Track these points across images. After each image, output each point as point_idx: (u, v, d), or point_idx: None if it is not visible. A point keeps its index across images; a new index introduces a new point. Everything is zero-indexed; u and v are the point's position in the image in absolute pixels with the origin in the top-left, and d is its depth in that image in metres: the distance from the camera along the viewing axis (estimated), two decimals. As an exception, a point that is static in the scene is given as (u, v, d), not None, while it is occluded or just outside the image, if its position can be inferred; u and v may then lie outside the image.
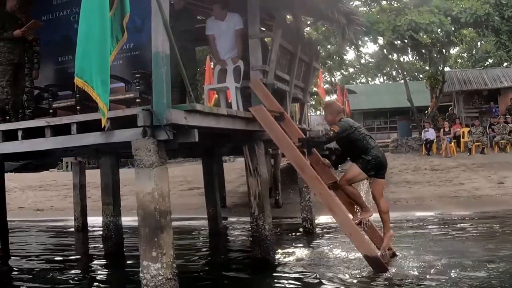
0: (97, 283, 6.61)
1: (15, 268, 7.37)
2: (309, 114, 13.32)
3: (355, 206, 6.45)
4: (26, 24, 6.62)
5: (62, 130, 5.37)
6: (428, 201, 12.20)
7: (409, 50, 19.71)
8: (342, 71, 34.32)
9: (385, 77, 41.05)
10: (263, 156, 6.91)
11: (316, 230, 9.41)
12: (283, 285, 5.84)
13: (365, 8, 20.30)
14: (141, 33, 6.71)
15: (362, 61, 34.05)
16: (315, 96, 24.74)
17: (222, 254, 8.34)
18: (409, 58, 30.17)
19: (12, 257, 8.13)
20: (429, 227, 9.47)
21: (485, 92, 22.76)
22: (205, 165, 9.71)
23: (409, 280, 5.48)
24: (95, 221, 11.04)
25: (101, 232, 8.52)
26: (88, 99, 6.22)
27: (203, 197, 10.17)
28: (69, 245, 9.84)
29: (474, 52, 31.83)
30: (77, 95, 6.37)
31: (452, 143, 17.44)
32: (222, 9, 7.23)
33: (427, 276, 5.58)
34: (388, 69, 37.52)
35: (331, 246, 7.78)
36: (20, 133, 5.61)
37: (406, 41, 17.16)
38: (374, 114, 31.85)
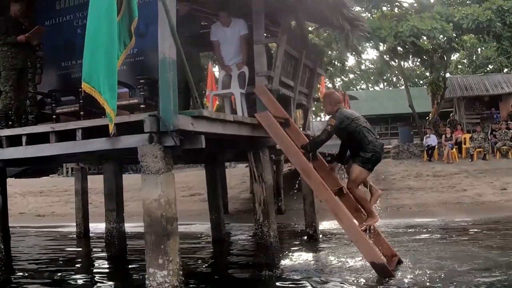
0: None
1: (18, 274, 7.29)
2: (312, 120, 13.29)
3: (362, 212, 6.40)
4: (29, 29, 6.61)
5: (66, 135, 5.34)
6: (432, 207, 12.15)
7: (410, 56, 19.70)
8: (343, 77, 34.37)
9: (385, 83, 41.13)
10: (268, 163, 6.87)
11: (320, 235, 9.34)
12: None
13: (366, 14, 20.29)
14: (145, 38, 6.69)
15: (362, 67, 34.12)
16: (315, 103, 24.69)
17: (226, 260, 8.26)
18: (409, 64, 30.26)
19: (15, 263, 8.06)
20: (433, 233, 9.41)
21: (486, 98, 22.79)
22: (208, 171, 9.64)
23: (416, 287, 5.43)
24: (96, 227, 10.98)
25: (103, 238, 8.46)
26: (92, 105, 6.24)
27: (205, 203, 10.11)
28: (72, 251, 9.75)
29: (474, 58, 31.89)
30: (81, 101, 6.35)
31: (454, 149, 17.42)
32: (228, 16, 7.21)
33: (433, 283, 5.53)
34: (389, 75, 37.58)
35: (336, 252, 7.73)
36: (24, 139, 5.58)
37: (407, 47, 17.15)
38: (375, 120, 31.72)
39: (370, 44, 18.40)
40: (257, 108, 6.86)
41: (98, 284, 6.78)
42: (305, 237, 9.23)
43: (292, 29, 8.16)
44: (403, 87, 24.33)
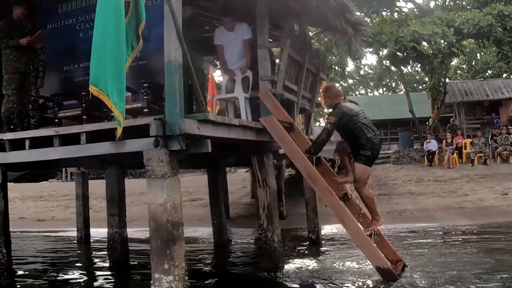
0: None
1: (19, 279, 7.23)
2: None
3: (366, 217, 6.37)
4: (32, 32, 6.58)
5: (69, 139, 5.30)
6: (433, 212, 12.11)
7: (410, 62, 19.70)
8: (342, 82, 34.38)
9: (384, 89, 41.17)
10: (272, 167, 6.82)
11: (322, 240, 9.31)
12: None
13: (366, 19, 20.33)
14: (148, 42, 6.63)
15: (361, 72, 34.17)
16: (316, 108, 24.69)
17: (230, 265, 8.23)
18: (408, 70, 30.29)
19: (16, 267, 7.99)
20: (436, 238, 9.38)
21: (487, 103, 22.81)
22: (210, 176, 9.60)
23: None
24: (96, 232, 10.92)
25: (104, 243, 8.39)
26: (94, 108, 6.20)
27: (206, 208, 10.08)
28: (73, 256, 9.69)
29: (473, 63, 31.95)
30: (83, 105, 6.31)
31: (455, 154, 17.41)
32: (231, 20, 7.19)
33: (438, 286, 5.51)
34: (388, 80, 37.64)
35: (338, 256, 7.72)
36: (27, 142, 5.53)
37: (408, 52, 17.15)
38: (375, 125, 31.32)
39: (371, 50, 18.38)
40: (261, 113, 6.81)
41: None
42: (308, 242, 9.19)
43: (295, 34, 8.13)
44: (402, 92, 24.32)
